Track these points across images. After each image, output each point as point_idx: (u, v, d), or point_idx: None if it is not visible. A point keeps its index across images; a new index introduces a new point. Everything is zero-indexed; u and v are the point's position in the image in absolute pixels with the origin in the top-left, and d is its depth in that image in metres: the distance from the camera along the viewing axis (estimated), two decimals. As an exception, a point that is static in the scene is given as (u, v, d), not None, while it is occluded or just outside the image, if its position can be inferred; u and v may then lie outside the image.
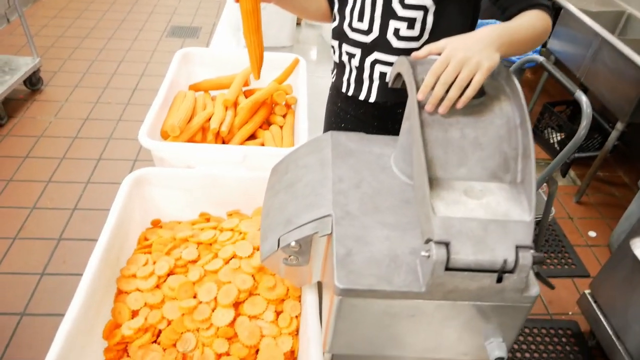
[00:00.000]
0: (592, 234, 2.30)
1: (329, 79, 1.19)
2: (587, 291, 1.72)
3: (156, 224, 1.00)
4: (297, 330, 0.81)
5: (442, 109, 0.63)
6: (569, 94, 0.87)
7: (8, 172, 2.42)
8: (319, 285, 0.79)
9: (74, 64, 3.30)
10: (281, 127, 1.25)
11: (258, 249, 0.87)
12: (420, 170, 0.59)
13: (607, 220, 2.38)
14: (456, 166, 0.62)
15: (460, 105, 0.63)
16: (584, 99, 0.84)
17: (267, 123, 1.29)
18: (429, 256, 0.55)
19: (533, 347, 1.78)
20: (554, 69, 0.91)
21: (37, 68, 2.85)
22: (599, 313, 1.64)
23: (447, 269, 0.55)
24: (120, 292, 0.84)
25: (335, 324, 0.61)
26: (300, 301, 0.82)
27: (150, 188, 0.97)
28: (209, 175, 0.96)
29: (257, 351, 0.79)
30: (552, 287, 1.05)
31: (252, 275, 0.84)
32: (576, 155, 2.42)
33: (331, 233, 0.64)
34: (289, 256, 0.69)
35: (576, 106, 2.64)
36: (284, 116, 1.28)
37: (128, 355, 0.80)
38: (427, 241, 0.56)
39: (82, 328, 0.72)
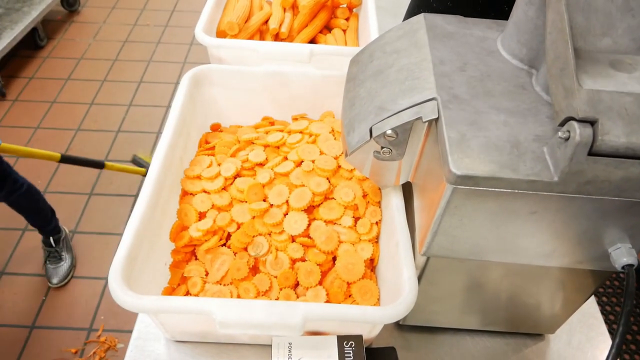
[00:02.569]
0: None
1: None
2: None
3: (216, 128, 0.93)
4: (377, 238, 0.74)
5: None
6: None
7: (51, 94, 2.39)
8: (403, 189, 0.71)
9: (110, -15, 3.19)
10: (344, 30, 1.13)
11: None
12: (559, 37, 0.48)
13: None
14: (599, 36, 0.51)
15: None
16: None
17: (327, 29, 1.18)
18: (567, 138, 0.46)
19: None
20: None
21: (73, -12, 2.76)
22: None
23: (591, 153, 0.46)
24: (185, 194, 0.79)
25: (442, 220, 0.53)
26: (380, 207, 0.75)
27: (211, 88, 0.89)
28: (275, 73, 0.87)
29: (334, 258, 0.73)
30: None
31: (327, 179, 0.76)
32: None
33: (438, 118, 0.55)
34: (382, 148, 0.60)
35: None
36: (347, 19, 1.17)
37: (196, 259, 0.75)
38: (566, 121, 0.47)
39: (149, 226, 0.67)
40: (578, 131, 0.45)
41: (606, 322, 0.79)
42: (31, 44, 2.58)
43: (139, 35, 2.75)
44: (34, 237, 1.82)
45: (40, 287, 1.72)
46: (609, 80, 0.47)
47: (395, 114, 0.58)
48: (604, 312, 1.62)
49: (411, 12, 1.09)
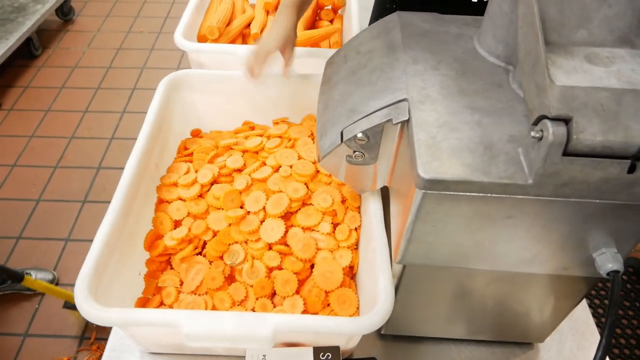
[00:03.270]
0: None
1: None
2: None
3: (196, 134, 0.91)
4: (357, 244, 0.72)
5: None
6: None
7: (46, 102, 2.38)
8: (382, 194, 0.69)
9: (104, -7, 3.18)
10: (329, 32, 1.11)
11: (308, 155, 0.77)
12: (530, 31, 0.45)
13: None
14: (574, 28, 0.48)
15: None
16: None
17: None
18: (541, 137, 0.43)
19: None
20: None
21: (68, -3, 2.76)
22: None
23: (565, 153, 0.43)
24: (161, 201, 0.77)
25: (414, 227, 0.51)
26: (359, 212, 0.73)
27: (190, 93, 0.87)
28: (254, 77, 0.85)
29: (312, 266, 0.70)
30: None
31: (305, 184, 0.74)
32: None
33: (408, 119, 0.52)
34: (354, 152, 0.58)
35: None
36: (331, 21, 1.14)
37: (171, 268, 0.73)
38: (539, 120, 0.44)
39: (121, 234, 0.65)
40: (551, 130, 0.42)
41: (599, 327, 0.76)
42: (26, 53, 2.57)
43: (133, 42, 2.73)
44: (25, 247, 1.81)
45: (32, 295, 1.70)
46: (584, 75, 0.44)
47: (366, 116, 0.55)
48: (595, 316, 1.58)
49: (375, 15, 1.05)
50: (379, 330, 0.72)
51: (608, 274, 0.51)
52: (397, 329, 0.71)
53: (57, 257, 1.79)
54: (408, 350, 0.72)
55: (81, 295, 0.56)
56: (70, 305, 1.62)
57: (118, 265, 0.65)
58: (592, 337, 0.74)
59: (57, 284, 1.72)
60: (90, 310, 0.55)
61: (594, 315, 0.86)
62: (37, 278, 1.67)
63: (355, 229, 0.71)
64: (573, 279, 0.60)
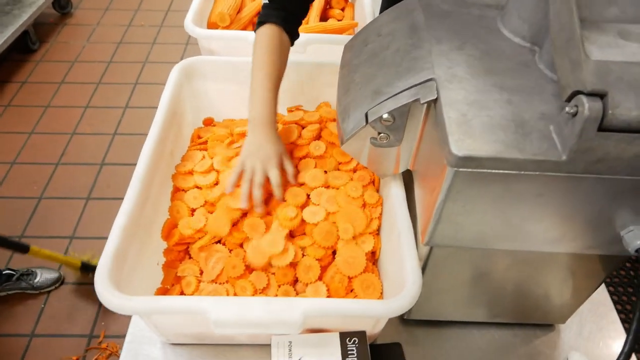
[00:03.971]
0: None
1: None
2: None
3: (209, 122, 0.90)
4: (378, 231, 0.71)
5: None
6: None
7: (45, 98, 2.36)
8: (404, 178, 0.68)
9: (102, -14, 3.15)
10: (340, 20, 1.10)
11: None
12: (563, 7, 0.45)
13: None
14: (605, 5, 0.48)
15: None
16: None
17: (322, 19, 1.15)
18: (575, 113, 0.43)
19: None
20: None
21: (65, -11, 2.73)
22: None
23: (600, 129, 0.43)
24: (177, 190, 0.76)
25: (444, 206, 0.51)
26: (380, 202, 0.72)
27: (202, 81, 0.86)
28: (267, 64, 0.84)
29: (334, 252, 0.70)
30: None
31: (325, 171, 0.74)
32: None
33: (437, 98, 0.52)
34: (379, 134, 0.57)
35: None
36: (342, 9, 1.14)
37: (190, 257, 0.72)
38: (573, 95, 0.44)
39: (139, 222, 0.65)
40: (587, 105, 0.42)
41: (617, 310, 0.76)
42: (23, 47, 2.54)
43: (134, 36, 2.71)
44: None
45: (37, 295, 1.69)
46: (617, 50, 0.44)
47: (391, 97, 0.55)
48: (613, 300, 1.59)
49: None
50: (401, 315, 0.71)
51: (637, 250, 0.51)
52: (420, 314, 0.71)
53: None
54: (431, 335, 0.71)
55: (102, 286, 0.55)
56: (88, 267, 1.62)
57: (137, 255, 0.64)
58: (611, 317, 0.74)
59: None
60: (113, 299, 0.55)
61: (611, 295, 0.86)
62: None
63: (377, 217, 0.71)
64: (598, 258, 0.60)
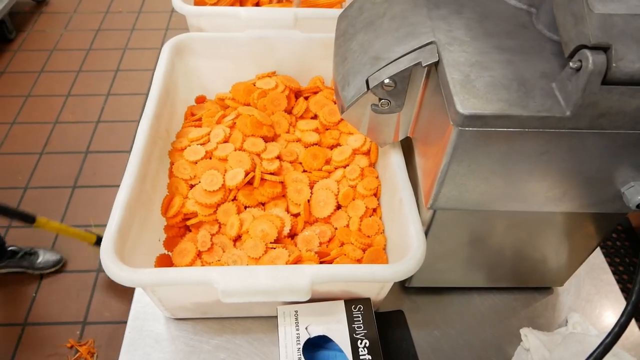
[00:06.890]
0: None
1: None
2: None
3: (201, 100, 0.89)
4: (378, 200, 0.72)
5: None
6: None
7: (25, 87, 2.31)
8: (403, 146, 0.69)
9: (77, -27, 3.07)
10: (328, -5, 1.09)
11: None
12: (564, -38, 0.45)
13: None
14: (604, -40, 0.48)
15: None
16: None
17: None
18: (579, 68, 0.44)
19: None
20: None
21: (39, -23, 2.65)
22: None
23: (604, 82, 0.43)
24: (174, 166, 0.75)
25: (449, 168, 0.51)
26: (377, 176, 0.72)
27: (193, 58, 0.85)
28: (259, 39, 0.83)
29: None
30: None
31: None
32: None
33: (438, 61, 0.52)
34: (380, 100, 0.57)
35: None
36: (329, -16, 1.12)
37: (190, 231, 0.72)
38: (576, 50, 0.44)
39: (140, 198, 0.64)
40: (591, 59, 0.42)
41: (611, 267, 0.77)
42: (0, 37, 2.48)
43: (112, 23, 2.66)
44: (18, 235, 1.76)
45: (29, 283, 1.67)
46: (620, 3, 0.44)
47: (392, 62, 0.55)
48: (609, 263, 1.63)
49: None
50: (402, 283, 0.72)
51: (637, 206, 0.52)
52: (421, 281, 0.71)
53: (50, 244, 1.76)
54: (432, 301, 0.72)
55: (108, 259, 0.55)
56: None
57: (139, 231, 0.64)
58: (607, 278, 0.76)
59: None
60: (120, 272, 0.54)
61: (605, 256, 0.88)
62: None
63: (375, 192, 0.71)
64: (595, 218, 0.61)
